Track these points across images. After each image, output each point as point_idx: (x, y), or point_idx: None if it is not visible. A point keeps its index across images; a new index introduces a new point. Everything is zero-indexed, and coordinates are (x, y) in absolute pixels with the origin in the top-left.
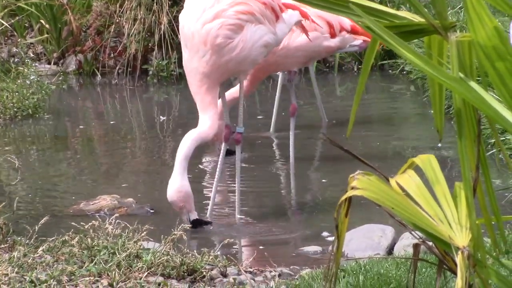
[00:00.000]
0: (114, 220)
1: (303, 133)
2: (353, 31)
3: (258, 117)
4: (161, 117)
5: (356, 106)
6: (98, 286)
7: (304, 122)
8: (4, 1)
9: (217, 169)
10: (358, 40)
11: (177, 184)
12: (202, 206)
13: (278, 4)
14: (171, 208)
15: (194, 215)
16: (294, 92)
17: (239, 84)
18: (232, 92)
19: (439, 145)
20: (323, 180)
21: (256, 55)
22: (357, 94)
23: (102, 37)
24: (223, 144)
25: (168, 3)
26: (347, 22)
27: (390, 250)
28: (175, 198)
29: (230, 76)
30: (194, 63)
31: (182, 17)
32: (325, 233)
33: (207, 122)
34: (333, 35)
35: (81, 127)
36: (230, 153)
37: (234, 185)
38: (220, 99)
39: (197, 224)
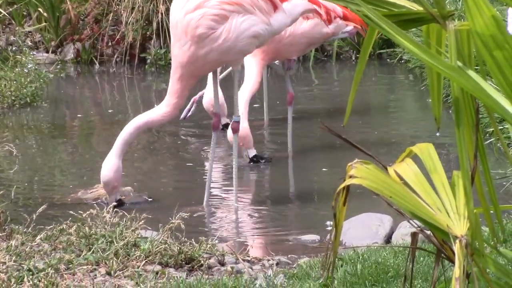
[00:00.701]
0: (112, 209)
1: (300, 121)
2: (344, 18)
3: (255, 105)
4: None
5: (353, 94)
6: (96, 275)
7: (301, 111)
8: None
9: (210, 157)
10: (349, 27)
11: (114, 164)
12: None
13: None
14: (169, 196)
15: (115, 198)
16: (290, 81)
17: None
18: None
19: (437, 134)
20: (321, 169)
21: (243, 45)
22: (354, 83)
23: (100, 26)
24: (213, 133)
25: None
26: (339, 9)
27: (388, 239)
28: (112, 176)
29: (214, 68)
30: (174, 51)
31: (172, 5)
32: (328, 222)
33: (164, 109)
34: (329, 21)
35: (79, 115)
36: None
37: (231, 174)
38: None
39: (120, 205)
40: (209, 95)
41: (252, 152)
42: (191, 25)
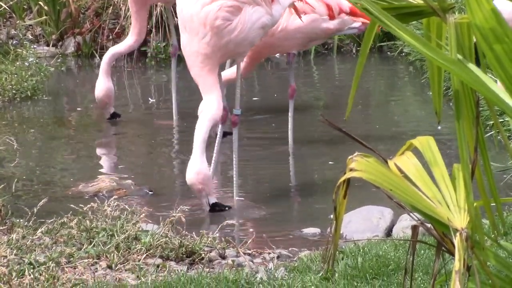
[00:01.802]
0: (112, 202)
1: (301, 114)
2: (352, 13)
3: (254, 98)
4: (149, 99)
5: (354, 88)
6: (96, 268)
7: (302, 104)
8: None
9: (214, 152)
10: (357, 23)
11: (197, 167)
12: None
13: None
14: (170, 189)
15: (213, 199)
16: (293, 74)
17: (236, 65)
18: (227, 74)
19: (439, 127)
20: (322, 162)
21: (253, 36)
22: (355, 77)
23: (101, 19)
24: (220, 126)
25: None
26: (346, 4)
27: (388, 232)
28: (194, 180)
29: (229, 58)
30: (194, 46)
31: (179, 1)
32: (331, 216)
33: (215, 103)
34: (332, 17)
35: (80, 109)
36: (226, 134)
37: (232, 167)
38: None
39: (216, 207)
40: (103, 87)
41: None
42: (210, 17)
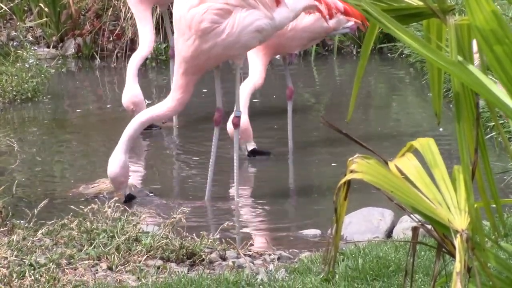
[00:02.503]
0: (113, 204)
1: (302, 116)
2: (345, 13)
3: (254, 100)
4: (146, 100)
5: (356, 90)
6: (97, 270)
7: (302, 105)
8: None
9: (211, 153)
10: (350, 22)
11: (121, 160)
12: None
13: None
14: (171, 191)
15: (128, 191)
16: (289, 75)
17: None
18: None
19: (441, 129)
20: (322, 164)
21: (247, 40)
22: (357, 78)
23: (101, 21)
24: (215, 128)
25: None
26: (340, 4)
27: (389, 233)
28: (118, 172)
29: (218, 63)
30: (178, 46)
31: (175, 1)
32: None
33: (169, 103)
34: (331, 16)
35: (80, 110)
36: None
37: (233, 168)
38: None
39: (131, 199)
40: (129, 92)
41: (251, 146)
42: (196, 20)
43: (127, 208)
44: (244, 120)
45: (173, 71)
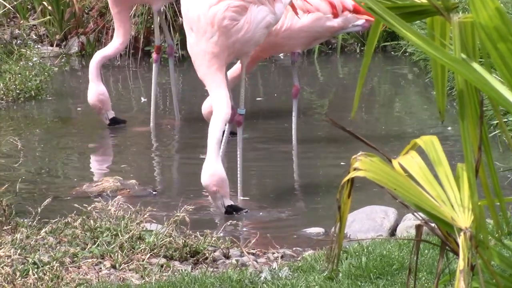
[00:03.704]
0: (116, 202)
1: (305, 114)
2: (355, 11)
3: (257, 98)
4: (142, 98)
5: (360, 88)
6: (101, 268)
7: (306, 103)
8: None
9: (220, 151)
10: (361, 20)
11: (211, 168)
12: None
13: None
14: (174, 189)
15: (228, 201)
16: (297, 74)
17: (240, 65)
18: (231, 72)
19: (449, 128)
20: (326, 162)
21: (259, 35)
22: (360, 77)
23: (104, 19)
24: (227, 125)
25: None
26: (349, 1)
27: (392, 232)
28: (209, 182)
29: (234, 58)
30: (202, 45)
31: (185, 1)
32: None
33: (224, 102)
34: (335, 15)
35: (84, 108)
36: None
37: (236, 166)
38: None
39: (232, 210)
40: (94, 91)
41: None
42: (218, 17)
43: (130, 207)
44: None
45: (173, 69)
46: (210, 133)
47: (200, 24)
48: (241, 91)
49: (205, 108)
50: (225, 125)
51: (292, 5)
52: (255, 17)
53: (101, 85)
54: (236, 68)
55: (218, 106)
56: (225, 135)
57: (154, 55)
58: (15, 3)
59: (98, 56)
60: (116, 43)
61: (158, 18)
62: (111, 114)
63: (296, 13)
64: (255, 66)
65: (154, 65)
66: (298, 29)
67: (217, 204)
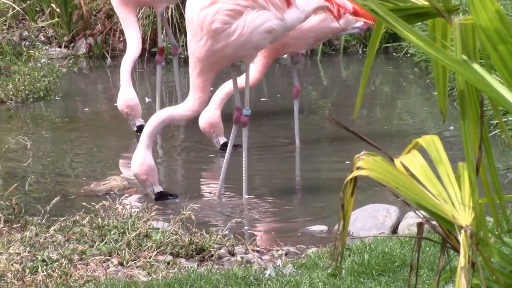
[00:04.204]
0: (124, 200)
1: (309, 114)
2: (354, 13)
3: (262, 99)
4: (146, 98)
5: (362, 89)
6: (108, 265)
7: (309, 103)
8: None
9: (227, 151)
10: (360, 22)
11: (140, 158)
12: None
13: None
14: (180, 188)
15: (158, 188)
16: (297, 74)
17: (256, 69)
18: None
19: (451, 128)
20: (329, 161)
21: (258, 40)
22: (363, 77)
23: (112, 21)
24: (234, 126)
25: None
26: (349, 4)
27: (394, 229)
28: (138, 171)
29: (232, 62)
30: (191, 47)
31: (187, 2)
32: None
33: (189, 104)
34: (338, 16)
35: (91, 109)
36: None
37: (242, 166)
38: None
39: (162, 196)
40: (123, 96)
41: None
42: (207, 20)
43: (137, 205)
44: (216, 114)
45: (177, 69)
46: (146, 126)
47: (193, 26)
48: (246, 92)
49: (202, 121)
50: (166, 125)
51: (329, 10)
52: (251, 22)
53: (131, 90)
54: (254, 71)
55: (180, 106)
56: (231, 137)
57: (157, 57)
58: (24, 5)
59: (127, 61)
60: (135, 44)
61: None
62: (140, 122)
63: (336, 18)
64: (268, 68)
65: (157, 66)
66: (307, 29)
67: (147, 191)
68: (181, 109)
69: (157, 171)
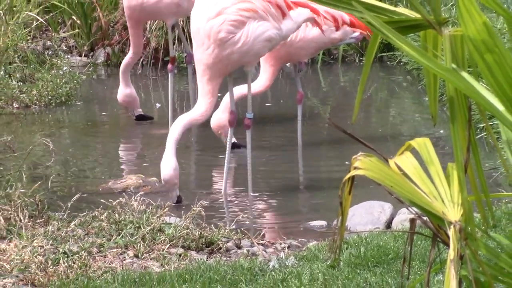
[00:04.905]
0: (139, 197)
1: (309, 118)
2: (351, 25)
3: (266, 104)
4: (157, 104)
5: (360, 95)
6: (124, 257)
7: (310, 108)
8: None
9: (226, 153)
10: (356, 33)
11: (171, 164)
12: (217, 186)
13: (286, 2)
14: (191, 186)
15: (178, 191)
16: (300, 81)
17: (263, 79)
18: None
19: (437, 130)
20: (328, 161)
21: (259, 48)
22: (361, 84)
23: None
24: (229, 129)
25: None
26: (346, 16)
27: (388, 224)
28: (170, 176)
29: (235, 68)
30: (198, 55)
31: (192, 13)
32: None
33: (201, 108)
34: (337, 28)
35: (109, 113)
36: (236, 146)
37: (247, 166)
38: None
39: (181, 200)
40: (120, 92)
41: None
42: (214, 30)
43: (151, 202)
44: (224, 117)
45: (192, 75)
46: (170, 132)
47: (199, 35)
48: (248, 97)
49: (214, 122)
50: (188, 128)
51: (315, 21)
52: (253, 31)
53: (128, 87)
54: (264, 79)
55: (193, 110)
56: (229, 137)
57: (169, 66)
58: (47, 17)
59: (124, 62)
60: (138, 51)
61: (176, 31)
62: (138, 112)
63: (320, 28)
64: (275, 76)
65: (169, 74)
66: (310, 39)
67: (171, 194)
68: (196, 114)
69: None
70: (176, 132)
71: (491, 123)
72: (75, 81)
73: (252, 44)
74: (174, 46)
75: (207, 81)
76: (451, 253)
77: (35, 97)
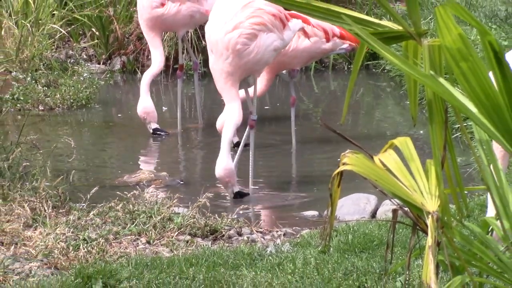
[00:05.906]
0: (151, 190)
1: (303, 120)
2: (341, 37)
3: (265, 107)
4: (163, 108)
5: (348, 99)
6: (138, 243)
7: (304, 111)
8: (62, 13)
9: (238, 150)
10: (345, 44)
11: (224, 163)
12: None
13: (285, 14)
14: (197, 180)
15: (236, 188)
16: (294, 87)
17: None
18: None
19: (417, 130)
20: (320, 158)
21: (268, 57)
22: (348, 89)
23: (142, 42)
24: (248, 129)
25: None
26: (337, 29)
27: (373, 214)
28: (222, 174)
29: (248, 75)
30: (219, 65)
31: (207, 28)
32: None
33: (236, 111)
34: (328, 39)
35: (124, 115)
36: (236, 145)
37: (248, 162)
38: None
39: (239, 195)
40: (141, 105)
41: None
42: (232, 42)
43: (162, 194)
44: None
45: (197, 82)
46: (223, 135)
47: (218, 47)
48: (254, 101)
49: (219, 123)
50: (235, 128)
51: (304, 31)
52: (264, 42)
53: (148, 100)
54: (261, 85)
55: (231, 114)
56: (245, 137)
57: (178, 72)
58: (69, 29)
59: (148, 75)
60: (157, 62)
61: (183, 42)
62: (154, 125)
63: (308, 37)
64: (271, 82)
65: (178, 81)
66: (302, 50)
67: (228, 191)
68: (236, 118)
69: (235, 174)
70: (229, 133)
71: (465, 124)
72: (94, 86)
73: (263, 54)
74: (184, 55)
75: (230, 86)
76: (429, 240)
77: (59, 101)
